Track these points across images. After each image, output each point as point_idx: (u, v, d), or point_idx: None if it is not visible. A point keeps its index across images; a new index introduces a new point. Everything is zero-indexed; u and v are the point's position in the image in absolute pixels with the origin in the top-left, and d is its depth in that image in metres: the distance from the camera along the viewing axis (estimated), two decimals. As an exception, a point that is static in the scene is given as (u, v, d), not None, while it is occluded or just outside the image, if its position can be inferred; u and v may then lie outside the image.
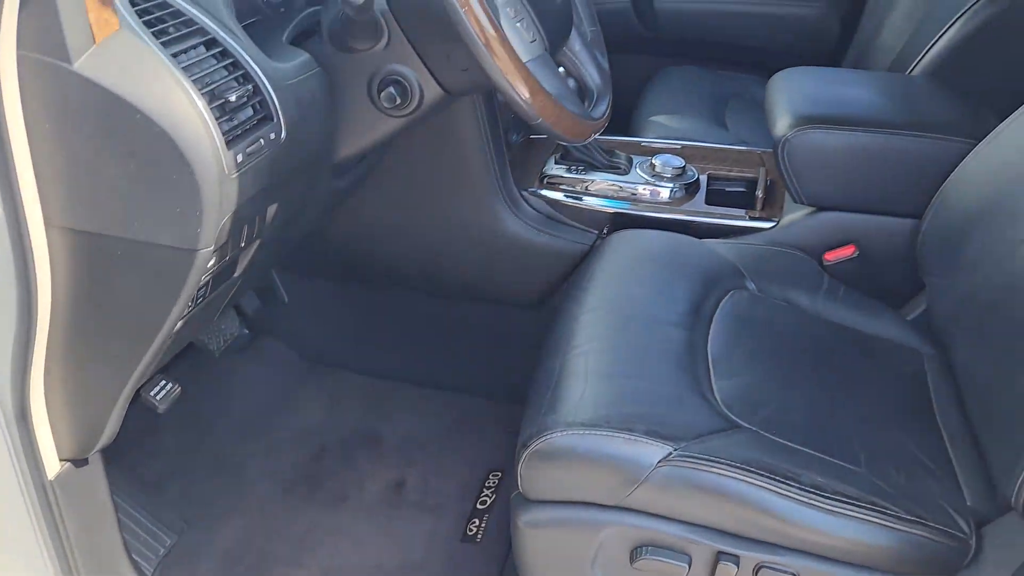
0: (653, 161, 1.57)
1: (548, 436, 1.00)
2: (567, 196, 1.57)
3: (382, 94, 1.05)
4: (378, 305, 1.71)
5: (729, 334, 1.23)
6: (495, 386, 1.68)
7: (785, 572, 0.96)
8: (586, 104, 1.14)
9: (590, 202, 1.56)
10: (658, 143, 1.74)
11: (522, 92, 0.93)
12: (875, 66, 1.96)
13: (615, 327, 1.18)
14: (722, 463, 0.96)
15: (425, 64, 1.03)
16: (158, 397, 1.15)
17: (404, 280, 1.65)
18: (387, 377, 1.72)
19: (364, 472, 1.49)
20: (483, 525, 1.39)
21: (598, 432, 0.99)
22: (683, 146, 1.72)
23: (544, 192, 1.57)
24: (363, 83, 1.05)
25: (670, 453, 0.97)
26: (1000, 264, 1.18)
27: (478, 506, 1.42)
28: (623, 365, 1.10)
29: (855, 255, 1.40)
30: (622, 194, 1.55)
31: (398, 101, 1.05)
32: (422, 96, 1.06)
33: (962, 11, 1.60)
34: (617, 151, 1.62)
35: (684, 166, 1.56)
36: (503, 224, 1.53)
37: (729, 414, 1.06)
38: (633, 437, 0.98)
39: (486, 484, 1.46)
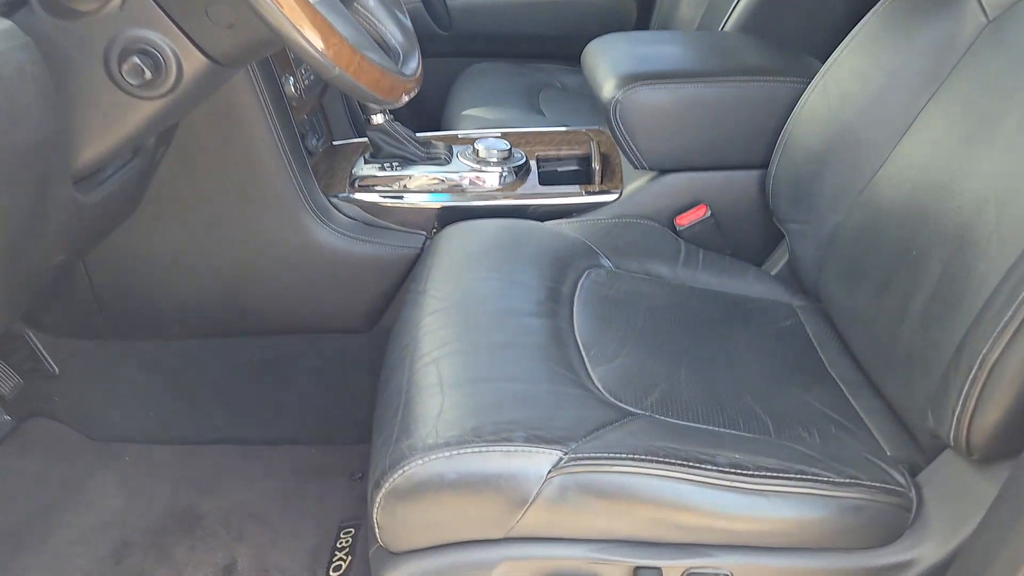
0: (476, 146, 1.40)
1: (406, 467, 0.78)
2: (385, 197, 1.36)
3: (124, 68, 0.80)
4: (177, 358, 1.42)
5: (595, 316, 1.07)
6: (334, 429, 1.44)
7: (716, 575, 0.80)
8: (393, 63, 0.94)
9: (412, 200, 1.36)
10: (476, 133, 1.58)
11: (311, 38, 0.72)
12: (679, 39, 1.91)
13: (467, 327, 0.99)
14: (624, 459, 0.78)
15: (177, 25, 0.80)
16: None
17: (204, 323, 1.38)
18: (202, 442, 1.43)
19: (181, 562, 1.20)
20: (341, 597, 1.14)
21: (469, 450, 0.78)
22: (504, 133, 1.56)
23: (357, 196, 1.36)
24: (96, 57, 0.80)
25: (560, 459, 0.78)
26: (859, 198, 1.10)
27: (331, 574, 1.17)
28: (484, 367, 0.91)
29: (708, 216, 1.28)
30: (447, 187, 1.37)
31: (148, 76, 0.81)
32: (180, 69, 0.82)
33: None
34: (433, 141, 1.44)
35: (510, 148, 1.40)
36: (312, 237, 1.30)
37: (617, 403, 0.89)
38: (513, 448, 0.78)
39: (338, 545, 1.22)
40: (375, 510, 0.80)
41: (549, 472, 0.77)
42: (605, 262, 1.20)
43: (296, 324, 1.38)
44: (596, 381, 0.93)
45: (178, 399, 1.43)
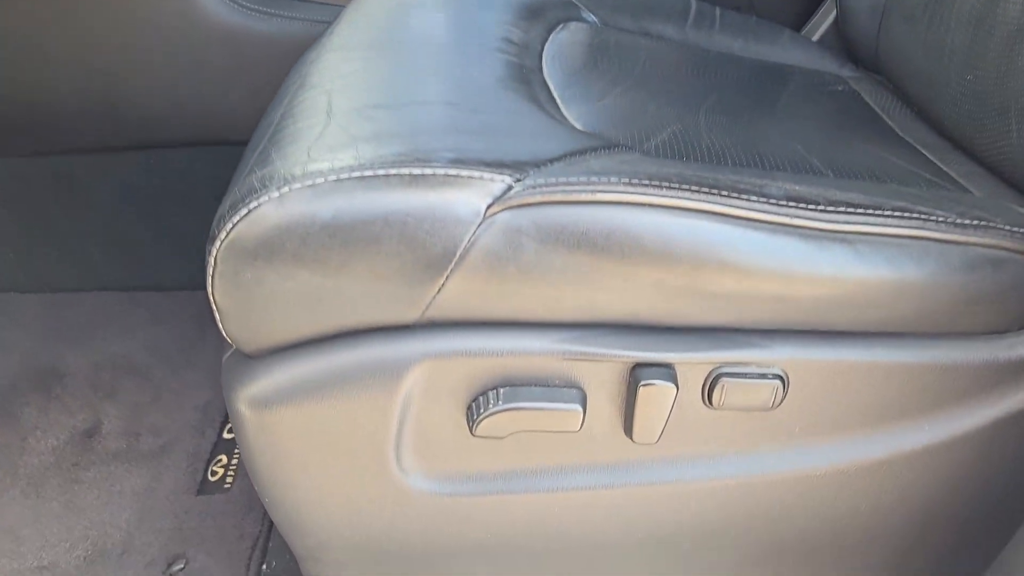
0: None
1: (253, 204, 0.47)
2: (298, -45, 1.03)
3: None
4: (40, 183, 1.10)
5: (575, 61, 0.75)
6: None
7: (763, 378, 0.50)
8: None
9: (333, -44, 1.03)
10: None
11: None
12: None
13: (383, 56, 0.67)
14: (615, 183, 0.47)
15: None
16: None
17: (71, 135, 1.05)
18: (76, 289, 1.12)
19: (27, 426, 0.90)
20: (233, 462, 0.85)
21: (355, 175, 0.47)
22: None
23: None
24: None
25: (509, 187, 0.47)
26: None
27: (225, 435, 0.88)
28: (401, 92, 0.59)
29: (726, -40, 0.96)
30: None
31: None
32: None
33: None
34: None
35: None
36: (199, 11, 0.97)
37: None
38: (430, 171, 0.47)
39: (237, 402, 0.92)
40: (211, 282, 0.50)
41: (489, 206, 0.47)
42: (589, 16, 0.88)
43: (190, 133, 1.06)
44: (573, 121, 0.62)
45: (44, 236, 1.11)
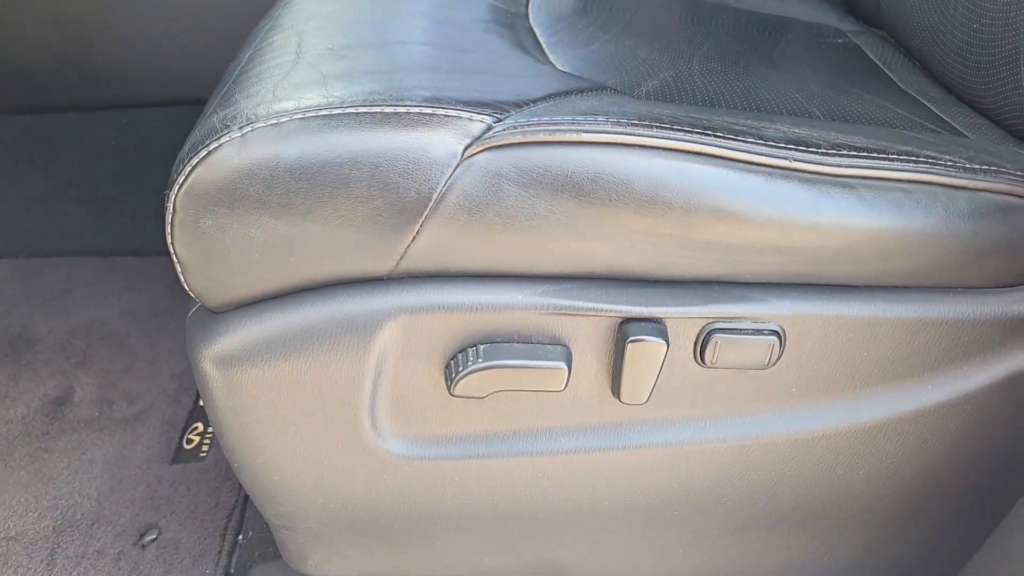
0: None
1: (214, 146, 0.44)
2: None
3: None
4: (16, 143, 1.06)
5: (561, 7, 0.72)
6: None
7: (759, 334, 0.47)
8: None
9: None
10: None
11: None
12: None
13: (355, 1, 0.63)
14: (602, 123, 0.44)
15: None
16: None
17: (49, 92, 1.02)
18: (51, 254, 1.09)
19: (-4, 392, 0.87)
20: (210, 430, 0.82)
21: (322, 113, 0.44)
22: None
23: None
24: None
25: (488, 128, 0.44)
26: None
27: (201, 403, 0.85)
28: (379, 32, 0.56)
29: (723, -90, 0.91)
30: None
31: None
32: None
33: None
34: None
35: None
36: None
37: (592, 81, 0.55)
38: (404, 109, 0.44)
39: (214, 369, 0.89)
40: (169, 231, 0.46)
41: (467, 148, 0.43)
42: (577, -33, 0.84)
43: (171, 92, 1.02)
44: (559, 67, 0.59)
45: (17, 198, 1.08)
